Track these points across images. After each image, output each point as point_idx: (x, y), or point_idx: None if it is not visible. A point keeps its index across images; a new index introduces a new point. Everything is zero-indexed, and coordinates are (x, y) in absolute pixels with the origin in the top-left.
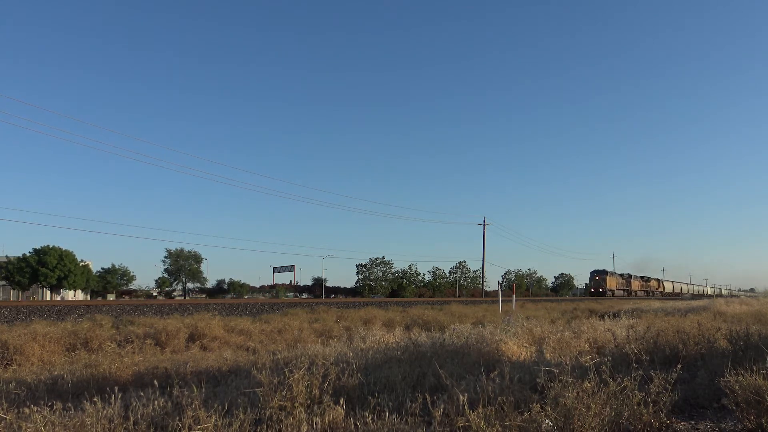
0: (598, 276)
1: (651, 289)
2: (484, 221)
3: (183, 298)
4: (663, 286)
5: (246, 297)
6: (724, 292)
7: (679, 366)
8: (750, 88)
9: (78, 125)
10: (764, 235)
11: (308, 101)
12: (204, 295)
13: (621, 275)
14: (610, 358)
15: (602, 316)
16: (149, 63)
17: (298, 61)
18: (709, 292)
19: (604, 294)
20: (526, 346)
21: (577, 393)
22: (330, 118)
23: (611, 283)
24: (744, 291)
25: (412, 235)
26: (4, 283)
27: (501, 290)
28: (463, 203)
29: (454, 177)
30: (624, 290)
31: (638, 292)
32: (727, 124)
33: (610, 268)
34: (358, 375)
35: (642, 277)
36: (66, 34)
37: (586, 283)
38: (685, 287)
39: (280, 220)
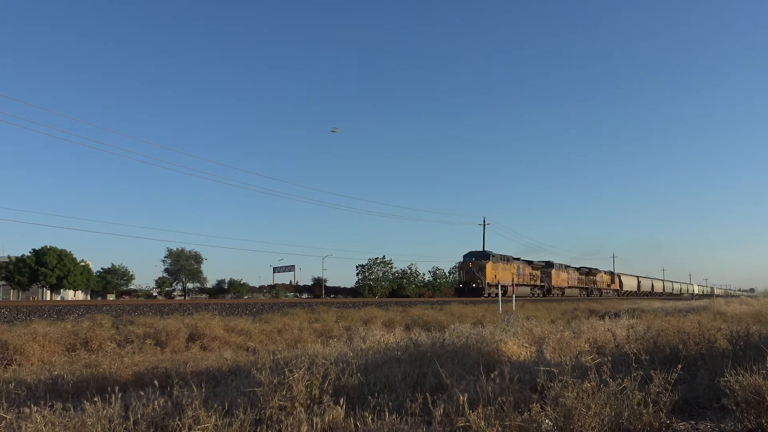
0: (473, 263)
1: (597, 285)
2: (484, 221)
3: (183, 298)
4: (619, 281)
5: (246, 297)
6: (717, 291)
7: (679, 366)
8: (750, 88)
9: (78, 125)
10: (764, 235)
11: (308, 101)
12: (204, 295)
13: (529, 263)
14: (610, 358)
15: (602, 316)
16: (149, 63)
17: (298, 61)
18: (696, 291)
19: (479, 291)
20: (526, 346)
21: (577, 393)
22: (330, 118)
23: (498, 273)
24: (744, 291)
25: (412, 235)
26: (4, 283)
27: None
28: (463, 203)
29: (454, 177)
30: (533, 286)
31: (566, 290)
32: (727, 124)
33: (494, 251)
34: (358, 375)
35: (579, 269)
36: (66, 34)
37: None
38: (659, 284)
39: (280, 220)
